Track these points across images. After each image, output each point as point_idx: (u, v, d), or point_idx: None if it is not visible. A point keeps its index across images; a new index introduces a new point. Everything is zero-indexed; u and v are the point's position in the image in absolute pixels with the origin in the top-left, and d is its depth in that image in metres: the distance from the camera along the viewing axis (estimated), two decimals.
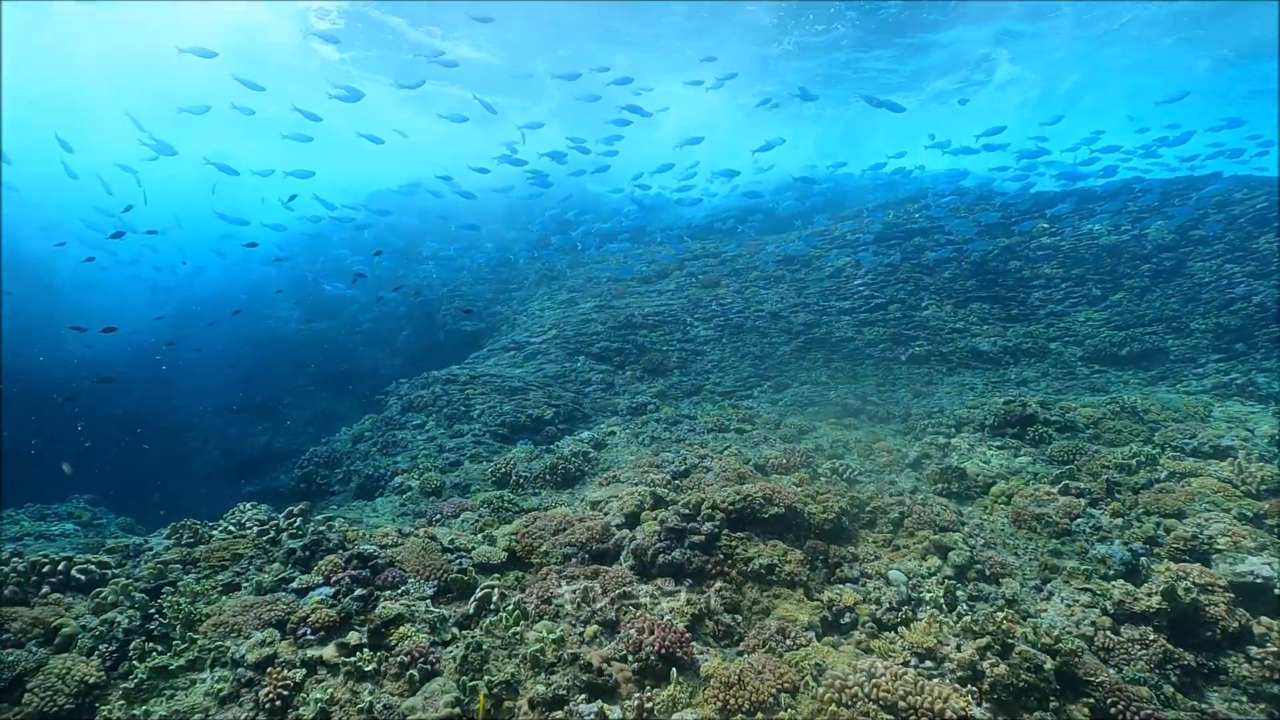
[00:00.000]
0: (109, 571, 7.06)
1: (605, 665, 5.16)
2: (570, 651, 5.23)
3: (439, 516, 9.12)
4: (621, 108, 23.86)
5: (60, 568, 6.77)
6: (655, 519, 7.18)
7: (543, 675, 5.05)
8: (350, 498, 13.40)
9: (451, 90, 37.08)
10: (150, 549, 8.27)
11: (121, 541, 8.30)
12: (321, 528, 7.77)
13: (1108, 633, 6.06)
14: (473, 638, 5.35)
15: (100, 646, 5.78)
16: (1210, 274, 16.81)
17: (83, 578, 6.83)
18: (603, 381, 16.84)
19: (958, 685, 5.13)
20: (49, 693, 5.33)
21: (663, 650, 5.20)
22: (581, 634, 5.65)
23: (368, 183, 47.14)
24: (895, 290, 18.58)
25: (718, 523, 6.99)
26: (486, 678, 4.94)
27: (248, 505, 8.93)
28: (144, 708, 5.26)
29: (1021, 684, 5.16)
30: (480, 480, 11.58)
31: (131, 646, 5.83)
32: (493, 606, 5.98)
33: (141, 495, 20.09)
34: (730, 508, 7.29)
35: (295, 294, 28.03)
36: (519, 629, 5.45)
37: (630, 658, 5.32)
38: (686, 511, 7.10)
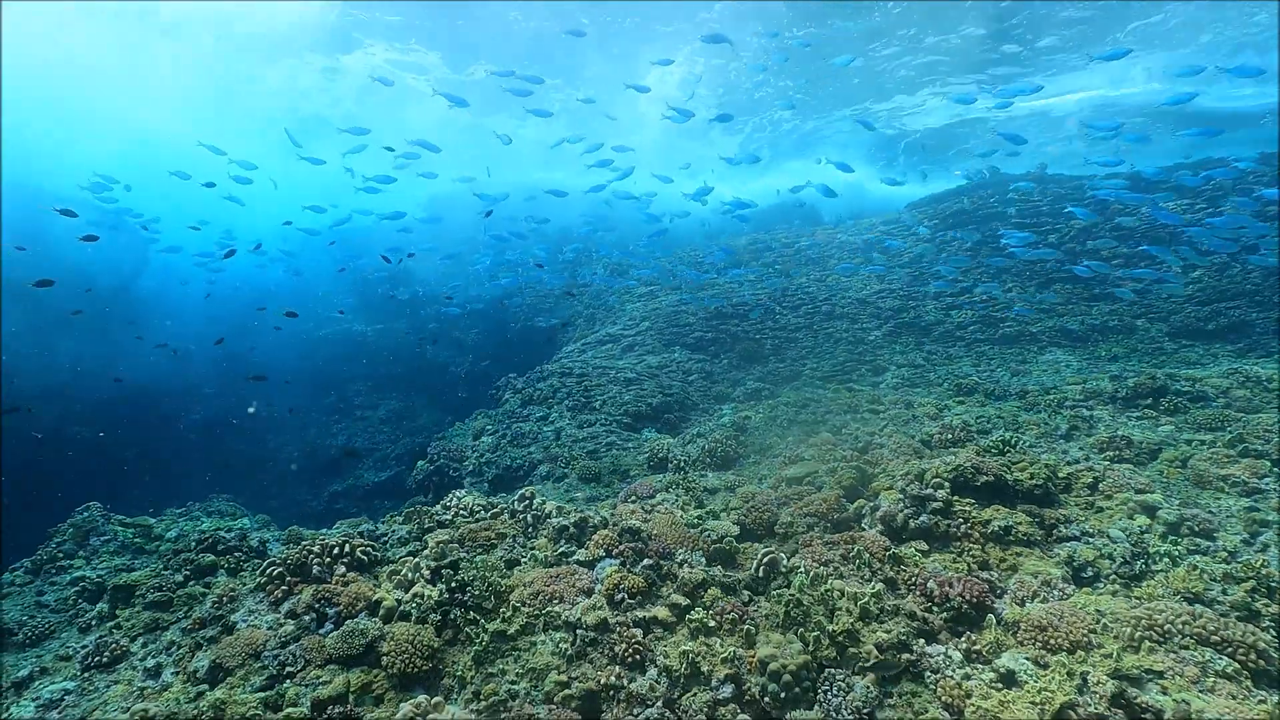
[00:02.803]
0: (378, 553, 7.61)
1: (925, 614, 5.70)
2: (892, 603, 5.77)
3: (635, 497, 9.64)
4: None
5: (345, 549, 7.30)
6: (892, 489, 7.72)
7: (875, 624, 5.59)
8: (486, 488, 13.91)
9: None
10: (381, 534, 8.82)
11: (360, 528, 8.83)
12: (549, 507, 8.32)
13: None
14: (790, 595, 5.88)
15: (430, 616, 6.31)
16: None
17: (364, 558, 7.36)
18: (701, 370, 17.36)
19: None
20: (406, 656, 5.86)
21: (973, 599, 5.74)
22: (872, 590, 6.18)
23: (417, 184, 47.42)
24: (979, 274, 19.10)
25: (947, 490, 7.53)
26: (830, 627, 5.47)
27: (461, 492, 9.46)
28: (498, 666, 5.80)
29: None
30: (635, 466, 12.11)
31: (452, 615, 6.38)
32: (783, 570, 6.52)
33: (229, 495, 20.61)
34: (947, 477, 7.83)
35: (361, 295, 28.48)
36: (828, 587, 5.98)
37: (937, 608, 5.87)
38: (918, 482, 7.63)
